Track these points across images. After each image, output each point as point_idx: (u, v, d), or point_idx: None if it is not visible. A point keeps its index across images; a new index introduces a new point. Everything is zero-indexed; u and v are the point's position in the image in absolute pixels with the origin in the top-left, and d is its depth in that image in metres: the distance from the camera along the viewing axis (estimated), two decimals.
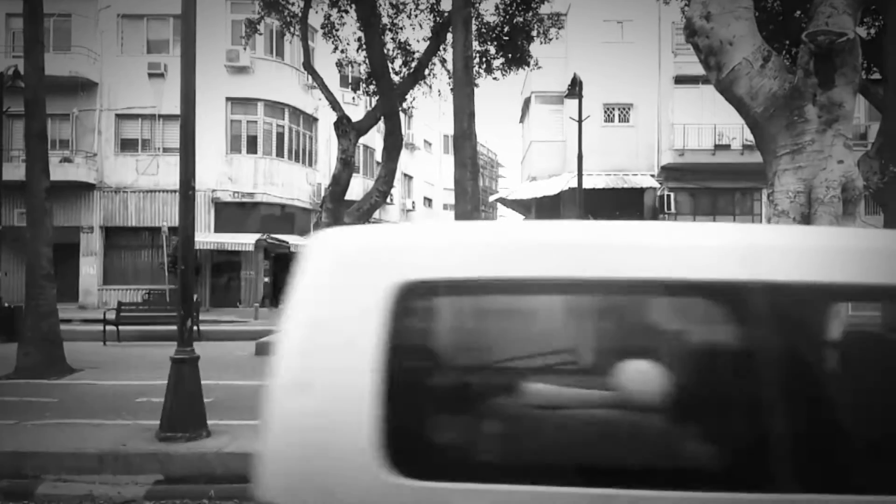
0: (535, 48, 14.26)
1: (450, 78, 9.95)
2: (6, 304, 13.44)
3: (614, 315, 1.93)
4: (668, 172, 23.30)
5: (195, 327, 12.98)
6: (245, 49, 22.35)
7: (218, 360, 10.65)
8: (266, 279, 24.45)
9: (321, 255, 1.88)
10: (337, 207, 13.01)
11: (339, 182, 13.04)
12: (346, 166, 13.11)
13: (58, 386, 8.54)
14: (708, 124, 22.34)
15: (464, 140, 9.59)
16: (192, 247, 5.41)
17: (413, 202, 38.40)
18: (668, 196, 22.78)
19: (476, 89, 11.39)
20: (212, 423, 5.44)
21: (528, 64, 14.18)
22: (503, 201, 29.14)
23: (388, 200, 30.99)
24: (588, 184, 21.27)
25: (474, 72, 13.54)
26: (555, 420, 1.77)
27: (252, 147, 23.68)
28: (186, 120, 5.34)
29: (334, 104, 13.13)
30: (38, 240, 9.23)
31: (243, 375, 9.35)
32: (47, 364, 9.14)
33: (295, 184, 25.05)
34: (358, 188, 26.00)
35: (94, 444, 4.84)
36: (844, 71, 4.88)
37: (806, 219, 4.97)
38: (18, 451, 4.72)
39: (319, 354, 1.72)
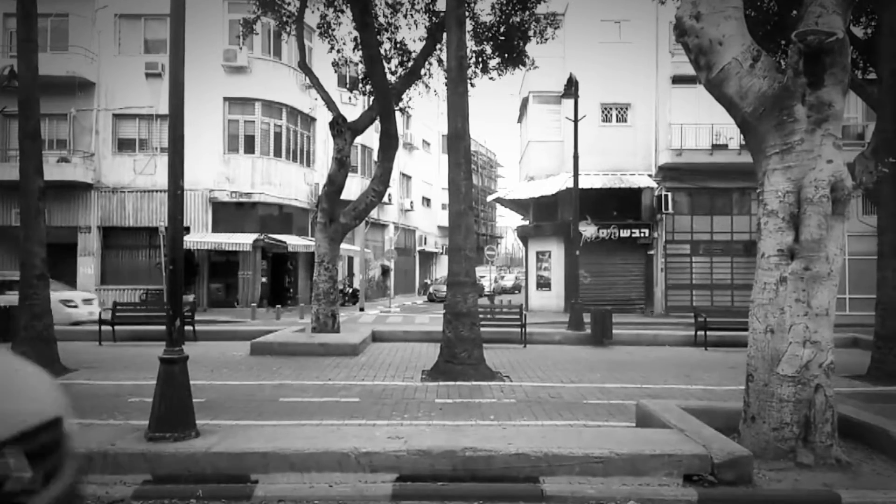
0: (533, 48, 14.25)
1: (446, 78, 9.93)
2: (1, 305, 13.42)
3: None
4: (666, 172, 23.31)
5: (192, 327, 13.11)
6: (242, 49, 22.37)
7: (213, 360, 10.64)
8: (263, 279, 24.44)
9: None
10: (333, 207, 13.00)
11: (335, 182, 13.03)
12: (342, 166, 13.11)
13: None
14: (705, 124, 22.36)
15: (458, 140, 9.58)
16: (180, 246, 5.39)
17: (411, 202, 38.41)
18: (666, 196, 22.79)
19: (475, 89, 11.38)
20: (202, 422, 5.42)
21: (524, 64, 14.17)
22: (501, 201, 29.10)
23: (387, 200, 31.03)
24: (585, 183, 21.30)
25: (470, 72, 13.55)
26: None
27: (250, 147, 23.69)
28: (175, 119, 5.31)
29: (330, 104, 13.13)
30: (31, 240, 9.23)
31: (237, 376, 9.33)
32: (41, 364, 9.02)
33: (292, 184, 25.05)
34: (356, 188, 26.02)
35: (83, 443, 4.81)
36: (834, 71, 4.88)
37: (795, 218, 4.96)
38: None
39: None
